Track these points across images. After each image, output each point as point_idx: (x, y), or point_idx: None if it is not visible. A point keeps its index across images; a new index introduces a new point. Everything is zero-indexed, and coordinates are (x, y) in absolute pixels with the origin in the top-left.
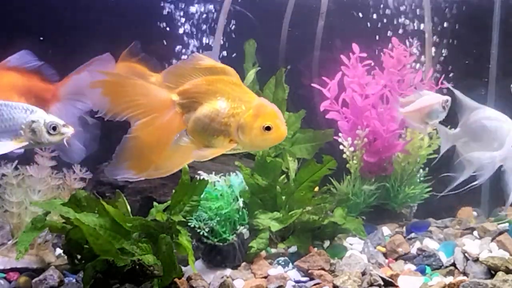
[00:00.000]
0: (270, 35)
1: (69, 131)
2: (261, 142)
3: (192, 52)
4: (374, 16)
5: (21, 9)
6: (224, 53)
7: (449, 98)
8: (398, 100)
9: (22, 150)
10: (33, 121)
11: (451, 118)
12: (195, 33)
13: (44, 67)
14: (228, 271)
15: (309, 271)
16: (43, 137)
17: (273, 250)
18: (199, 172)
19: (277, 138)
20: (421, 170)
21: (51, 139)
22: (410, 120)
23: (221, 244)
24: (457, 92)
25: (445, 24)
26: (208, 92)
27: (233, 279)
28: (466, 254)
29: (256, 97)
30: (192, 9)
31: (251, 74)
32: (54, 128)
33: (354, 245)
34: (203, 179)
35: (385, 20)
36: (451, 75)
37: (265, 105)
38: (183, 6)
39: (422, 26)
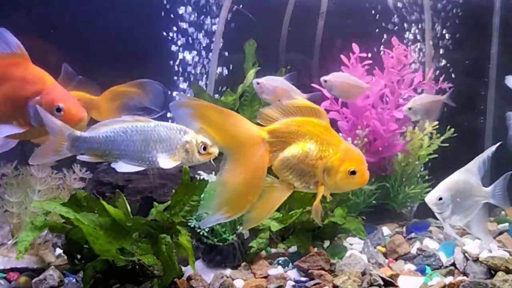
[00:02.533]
0: (270, 35)
1: (216, 150)
2: (345, 185)
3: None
4: (374, 16)
5: None
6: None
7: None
8: None
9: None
10: (186, 142)
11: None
12: (194, 33)
13: None
14: (228, 271)
15: (309, 271)
16: (194, 157)
17: (273, 250)
18: (199, 172)
19: (360, 183)
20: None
21: (201, 158)
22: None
23: (221, 244)
24: None
25: (445, 24)
26: (298, 133)
27: (233, 279)
28: (466, 254)
29: (343, 141)
30: (192, 9)
31: (251, 74)
32: (205, 148)
33: (354, 245)
34: (203, 179)
35: (385, 20)
36: (451, 75)
37: (352, 150)
38: (183, 6)
39: (422, 26)
